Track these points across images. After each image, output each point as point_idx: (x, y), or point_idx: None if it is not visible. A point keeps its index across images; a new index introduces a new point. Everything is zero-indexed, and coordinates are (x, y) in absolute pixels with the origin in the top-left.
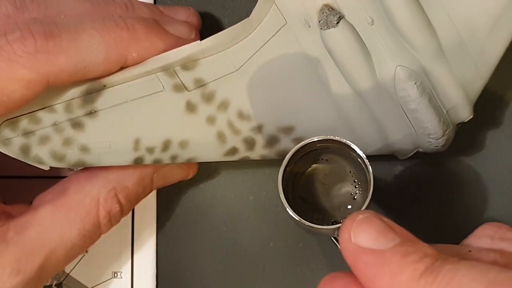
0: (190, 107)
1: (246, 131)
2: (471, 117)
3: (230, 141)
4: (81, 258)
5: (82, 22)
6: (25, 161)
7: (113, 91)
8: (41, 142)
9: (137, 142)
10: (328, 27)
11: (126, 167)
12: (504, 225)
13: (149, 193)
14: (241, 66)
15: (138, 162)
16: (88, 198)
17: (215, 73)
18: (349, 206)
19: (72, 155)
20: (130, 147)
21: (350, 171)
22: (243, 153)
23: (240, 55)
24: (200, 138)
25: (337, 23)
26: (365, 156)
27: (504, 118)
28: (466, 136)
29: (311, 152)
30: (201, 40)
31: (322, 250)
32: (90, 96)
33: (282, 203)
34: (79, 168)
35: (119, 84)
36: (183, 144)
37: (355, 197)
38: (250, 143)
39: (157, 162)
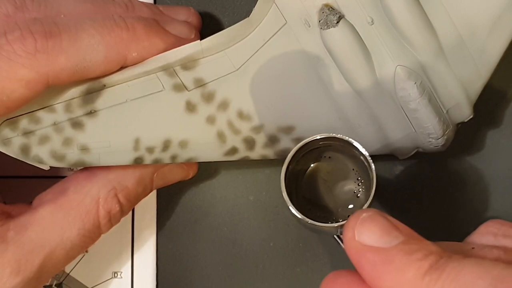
0: (190, 107)
1: (246, 131)
2: (471, 117)
3: (230, 141)
4: (81, 258)
5: (82, 22)
6: (25, 161)
7: (113, 91)
8: (41, 142)
9: (137, 142)
10: (328, 27)
11: (126, 167)
12: (507, 222)
13: (149, 193)
14: (241, 66)
15: (138, 162)
16: (88, 198)
17: (215, 73)
18: (352, 204)
19: (72, 155)
20: (130, 147)
21: (352, 169)
22: (243, 153)
23: (240, 55)
24: (200, 138)
25: (337, 22)
26: (367, 154)
27: (504, 118)
28: (466, 136)
29: (313, 150)
30: (201, 40)
31: (322, 250)
32: (90, 96)
33: (285, 201)
34: (79, 168)
35: (119, 84)
36: (183, 144)
37: (358, 195)
38: (250, 143)
39: (157, 162)
